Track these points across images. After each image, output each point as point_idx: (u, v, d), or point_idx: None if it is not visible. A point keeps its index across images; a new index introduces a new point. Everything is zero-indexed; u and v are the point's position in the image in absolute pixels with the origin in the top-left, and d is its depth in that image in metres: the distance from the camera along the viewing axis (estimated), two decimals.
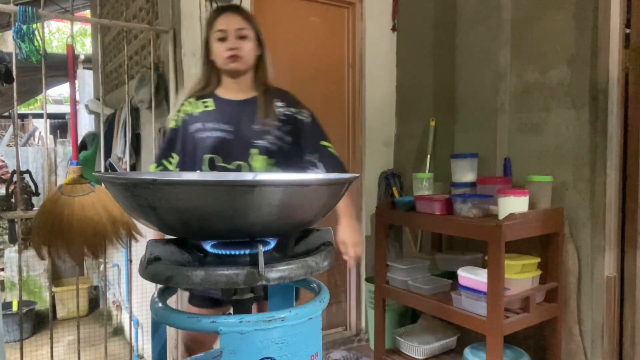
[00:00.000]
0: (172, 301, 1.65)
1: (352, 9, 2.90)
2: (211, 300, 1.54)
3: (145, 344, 2.76)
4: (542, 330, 2.13)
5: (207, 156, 1.50)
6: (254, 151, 1.50)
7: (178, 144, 1.57)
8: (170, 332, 2.26)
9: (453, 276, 2.13)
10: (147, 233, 1.99)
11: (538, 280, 2.04)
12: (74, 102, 1.86)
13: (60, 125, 9.04)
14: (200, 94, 1.59)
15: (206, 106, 1.56)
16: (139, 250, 2.30)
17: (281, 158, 1.54)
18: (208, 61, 1.58)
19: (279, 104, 1.57)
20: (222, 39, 1.51)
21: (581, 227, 2.06)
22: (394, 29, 3.00)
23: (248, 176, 0.82)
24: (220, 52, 1.52)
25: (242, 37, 1.52)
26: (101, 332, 2.46)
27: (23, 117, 9.30)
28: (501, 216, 1.91)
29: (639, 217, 1.96)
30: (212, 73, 1.59)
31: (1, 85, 2.37)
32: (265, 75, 1.60)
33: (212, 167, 1.50)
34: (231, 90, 1.58)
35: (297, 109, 1.60)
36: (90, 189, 1.75)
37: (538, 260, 2.01)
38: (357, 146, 2.96)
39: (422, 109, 2.85)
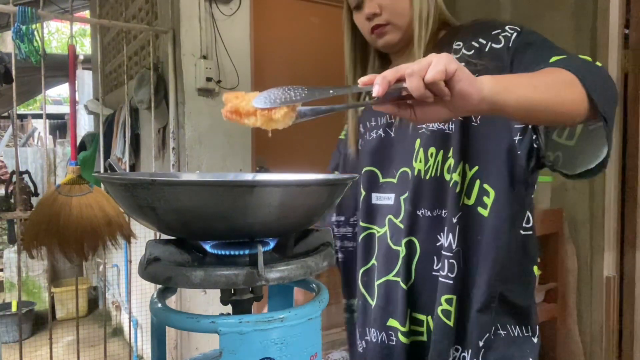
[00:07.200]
0: (171, 301, 1.66)
1: None
2: None
3: (144, 345, 2.76)
4: (542, 330, 2.12)
5: None
6: None
7: None
8: (170, 332, 2.26)
9: None
10: (141, 234, 1.99)
11: (537, 281, 2.04)
12: (73, 103, 1.86)
13: (60, 126, 9.05)
14: None
15: None
16: (139, 250, 2.31)
17: None
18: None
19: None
20: (357, 7, 0.99)
21: (580, 228, 2.06)
22: None
23: (247, 176, 0.82)
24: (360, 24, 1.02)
25: None
26: (100, 332, 2.46)
27: (22, 117, 9.30)
28: None
29: (638, 218, 1.97)
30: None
31: (0, 85, 2.36)
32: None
33: None
34: None
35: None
36: (88, 190, 1.75)
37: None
38: None
39: None
